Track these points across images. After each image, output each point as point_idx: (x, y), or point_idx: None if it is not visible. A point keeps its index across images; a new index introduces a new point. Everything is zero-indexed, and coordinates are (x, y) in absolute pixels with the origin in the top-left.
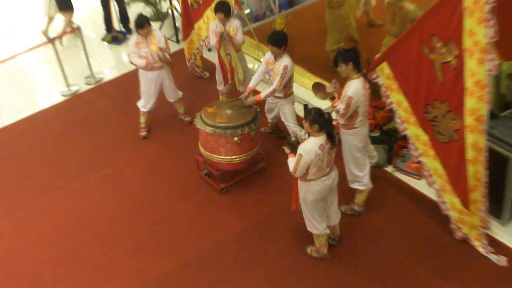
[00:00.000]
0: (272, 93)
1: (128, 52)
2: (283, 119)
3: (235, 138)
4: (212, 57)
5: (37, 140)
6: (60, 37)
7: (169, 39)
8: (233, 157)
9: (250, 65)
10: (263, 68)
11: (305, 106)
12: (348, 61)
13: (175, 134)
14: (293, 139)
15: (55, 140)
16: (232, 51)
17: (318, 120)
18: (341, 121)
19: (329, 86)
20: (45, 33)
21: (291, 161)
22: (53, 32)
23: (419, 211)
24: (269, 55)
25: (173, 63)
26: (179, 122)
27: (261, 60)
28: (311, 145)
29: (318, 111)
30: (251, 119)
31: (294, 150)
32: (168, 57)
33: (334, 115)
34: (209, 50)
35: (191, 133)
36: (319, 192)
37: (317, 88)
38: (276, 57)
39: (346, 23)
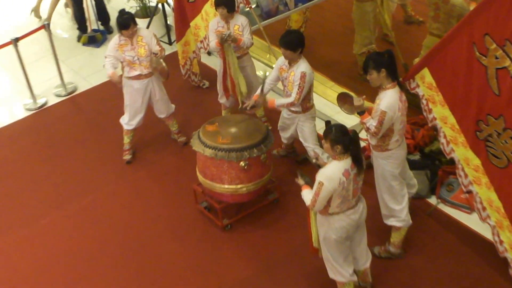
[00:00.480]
0: (289, 106)
1: (105, 54)
2: (301, 139)
3: (242, 163)
4: (213, 63)
5: None
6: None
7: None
8: (239, 186)
9: (259, 72)
10: (275, 75)
11: (328, 123)
12: (381, 68)
13: (167, 158)
14: (313, 160)
15: (18, 165)
16: (231, 56)
17: (341, 140)
18: (373, 142)
19: (357, 98)
20: (36, 11)
21: (307, 194)
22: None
23: (470, 252)
24: (282, 60)
25: (169, 72)
26: (171, 143)
27: (273, 66)
28: (334, 171)
29: (341, 128)
30: (261, 139)
31: (308, 179)
32: (163, 64)
33: (364, 134)
34: (209, 54)
35: (187, 157)
36: (344, 229)
37: (343, 100)
38: (291, 62)
39: (378, 20)
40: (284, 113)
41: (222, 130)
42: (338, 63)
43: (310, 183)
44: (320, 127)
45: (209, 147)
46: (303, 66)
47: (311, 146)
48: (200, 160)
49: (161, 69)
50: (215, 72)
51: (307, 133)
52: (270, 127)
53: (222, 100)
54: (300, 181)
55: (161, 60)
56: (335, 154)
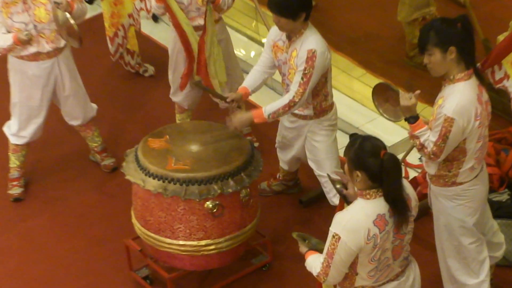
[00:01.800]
0: (287, 110)
1: None
2: (311, 163)
3: (208, 204)
4: (162, 36)
5: None
6: None
7: None
8: (204, 243)
9: (240, 53)
10: (266, 58)
11: (354, 136)
12: (449, 44)
13: (83, 194)
14: (336, 187)
15: None
16: (210, 21)
17: (365, 162)
18: (431, 170)
19: (405, 95)
20: None
21: (314, 260)
22: None
23: None
24: (276, 33)
25: (82, 37)
26: (90, 168)
27: (263, 41)
28: (358, 217)
29: (369, 143)
30: (241, 163)
31: (314, 241)
32: (71, 21)
33: (415, 156)
34: (155, 19)
35: (116, 192)
36: None
37: (382, 97)
38: (291, 36)
39: None
40: (285, 121)
41: (176, 148)
42: (373, 38)
43: (318, 246)
44: (344, 146)
45: (153, 177)
46: (311, 40)
47: (329, 175)
48: (138, 198)
49: (69, 30)
50: (166, 51)
51: (322, 153)
52: (256, 144)
53: (176, 97)
54: (302, 248)
55: (68, 16)
56: (361, 186)
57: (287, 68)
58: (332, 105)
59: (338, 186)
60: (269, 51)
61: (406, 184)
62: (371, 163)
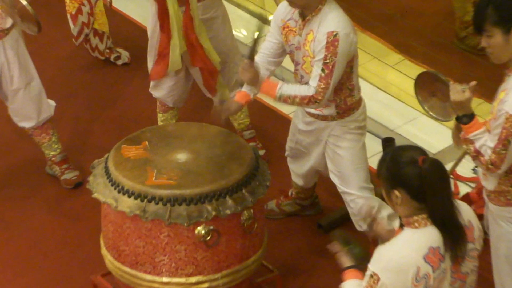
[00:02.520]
0: (305, 104)
1: None
2: (332, 177)
3: (200, 230)
4: (140, 12)
5: None
6: None
7: None
8: (194, 280)
9: (241, 34)
10: (272, 45)
11: (387, 142)
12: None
13: (37, 216)
14: (365, 226)
15: None
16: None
17: (403, 176)
18: (489, 185)
19: (457, 87)
20: None
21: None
22: None
23: None
24: (285, 9)
25: (39, 21)
26: (47, 182)
27: (269, 19)
28: (402, 253)
29: (407, 151)
30: (241, 177)
31: (357, 250)
32: (23, 2)
33: (467, 167)
34: None
35: (80, 215)
36: None
37: (427, 89)
38: (306, 12)
39: None
40: (299, 122)
41: (157, 158)
42: (413, 14)
43: (363, 260)
44: (376, 153)
45: (129, 194)
46: (331, 19)
47: (355, 192)
48: (109, 223)
49: (22, 12)
50: (144, 32)
51: (348, 164)
52: (262, 152)
53: (158, 91)
54: (343, 258)
55: None
56: (404, 212)
57: (301, 56)
58: (359, 101)
59: (365, 225)
60: (277, 34)
61: (464, 207)
62: (408, 174)
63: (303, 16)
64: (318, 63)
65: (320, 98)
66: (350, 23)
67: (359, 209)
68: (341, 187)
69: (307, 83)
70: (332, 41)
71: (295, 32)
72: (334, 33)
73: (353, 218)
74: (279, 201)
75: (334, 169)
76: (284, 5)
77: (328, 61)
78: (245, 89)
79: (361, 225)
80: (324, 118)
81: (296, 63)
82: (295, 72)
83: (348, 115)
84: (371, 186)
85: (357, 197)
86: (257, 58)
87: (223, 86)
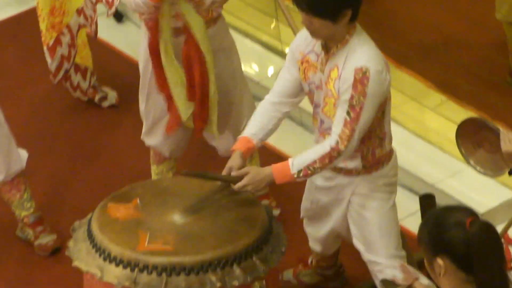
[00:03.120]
0: (328, 163)
1: None
2: (357, 243)
3: None
4: (130, 43)
5: None
6: None
7: None
8: None
9: (252, 70)
10: (286, 82)
11: (426, 200)
12: None
13: None
14: None
15: None
16: (196, 21)
17: (453, 238)
18: None
19: (510, 135)
20: None
21: None
22: None
23: None
24: (304, 40)
25: None
26: (18, 247)
27: (286, 52)
28: None
29: (454, 212)
30: (252, 241)
31: None
32: None
33: None
34: (118, 18)
35: (59, 286)
36: None
37: (473, 138)
38: (330, 45)
39: None
40: (317, 177)
41: (151, 219)
42: (457, 46)
43: None
44: (412, 213)
45: (116, 262)
46: (361, 53)
47: (383, 261)
48: None
49: None
50: (135, 67)
51: (375, 228)
52: (277, 212)
53: (152, 139)
54: None
55: None
56: (446, 286)
57: (322, 96)
58: (390, 153)
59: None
60: (293, 68)
61: None
62: (453, 239)
63: (326, 48)
64: (343, 105)
65: (342, 148)
66: (383, 59)
67: (399, 279)
68: (366, 255)
69: (328, 129)
70: (361, 78)
71: (316, 68)
72: (364, 69)
73: None
74: (297, 270)
75: (358, 234)
76: (303, 34)
77: (355, 103)
78: (247, 133)
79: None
80: (347, 172)
81: (315, 105)
82: (313, 116)
83: (376, 169)
84: (403, 253)
85: (386, 267)
86: (268, 97)
87: (213, 128)
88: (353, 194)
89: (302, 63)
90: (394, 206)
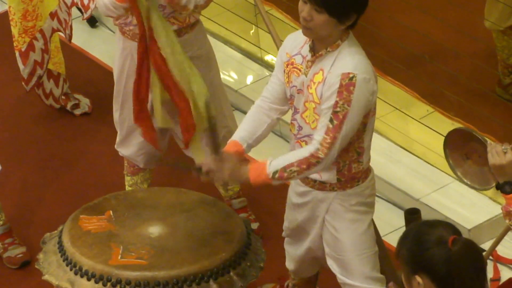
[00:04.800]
0: (306, 169)
1: None
2: (332, 263)
3: None
4: (104, 49)
5: None
6: None
7: None
8: None
9: (230, 78)
10: (276, 87)
11: (411, 213)
12: None
13: None
14: None
15: None
16: (162, 30)
17: (433, 257)
18: None
19: (497, 147)
20: None
21: None
22: None
23: None
24: (294, 41)
25: None
26: None
27: (269, 60)
28: None
29: (435, 228)
30: (229, 256)
31: None
32: None
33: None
34: (92, 23)
35: None
36: None
37: (460, 150)
38: (319, 47)
39: None
40: (292, 193)
41: (124, 232)
42: (444, 55)
43: None
44: (396, 228)
45: (88, 277)
46: (349, 59)
47: (359, 284)
48: None
49: None
50: (109, 74)
51: (348, 249)
52: (255, 225)
53: (126, 148)
54: None
55: None
56: None
57: (302, 101)
58: (367, 172)
59: None
60: (280, 73)
61: None
62: (434, 257)
63: (314, 49)
64: (327, 111)
65: (322, 156)
66: (372, 69)
67: None
68: (341, 277)
69: (305, 136)
70: (347, 84)
71: (300, 70)
72: (351, 75)
73: None
74: None
75: (332, 255)
76: (292, 36)
77: (338, 109)
78: (236, 137)
79: None
80: (321, 186)
81: (294, 110)
82: (291, 122)
83: (351, 186)
84: (380, 275)
85: None
86: (258, 102)
87: (198, 145)
88: (327, 213)
89: (287, 65)
90: (370, 227)
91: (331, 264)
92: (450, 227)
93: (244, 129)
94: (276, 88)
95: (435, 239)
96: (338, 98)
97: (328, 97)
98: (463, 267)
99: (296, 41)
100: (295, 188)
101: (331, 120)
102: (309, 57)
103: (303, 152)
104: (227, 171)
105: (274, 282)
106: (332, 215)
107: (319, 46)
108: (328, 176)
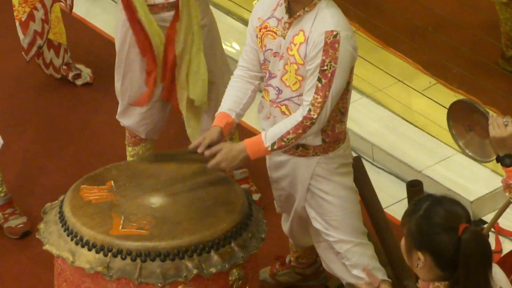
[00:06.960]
0: (301, 133)
1: None
2: (316, 223)
3: None
4: (106, 20)
5: None
6: None
7: None
8: None
9: (232, 49)
10: (251, 55)
11: (413, 185)
12: None
13: None
14: None
15: None
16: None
17: (442, 242)
18: None
19: (499, 119)
20: None
21: None
22: None
23: None
24: (264, 4)
25: None
26: None
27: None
28: None
29: (447, 210)
30: (230, 226)
31: None
32: None
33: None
34: None
35: (29, 271)
36: None
37: (463, 121)
38: (295, 7)
39: None
40: (270, 164)
41: (125, 202)
42: (447, 27)
43: None
44: (398, 200)
45: (89, 247)
46: (329, 17)
47: (350, 238)
48: (64, 281)
49: None
50: (111, 44)
51: (338, 211)
52: (257, 196)
53: (127, 118)
54: None
55: None
56: (422, 277)
57: (281, 64)
58: (345, 132)
59: None
60: (253, 39)
61: (498, 273)
62: (442, 242)
63: (290, 11)
64: (314, 71)
65: (315, 116)
66: (348, 23)
67: (354, 262)
68: (330, 235)
69: (286, 100)
70: (332, 42)
71: (275, 33)
72: (334, 33)
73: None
74: (273, 269)
75: (317, 219)
76: (263, 1)
77: (326, 68)
78: (223, 109)
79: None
80: (304, 153)
81: (270, 76)
82: (264, 89)
83: (334, 148)
84: (365, 228)
85: (355, 244)
86: (237, 72)
87: (196, 125)
88: (311, 178)
89: (260, 29)
90: (353, 185)
91: (318, 225)
92: (464, 213)
93: (229, 100)
94: (250, 56)
95: (447, 223)
96: (324, 57)
97: (314, 57)
98: (469, 256)
99: (267, 5)
100: (273, 158)
101: (319, 79)
102: (285, 18)
103: (296, 116)
104: (224, 157)
105: (272, 261)
106: (319, 179)
107: (296, 7)
108: (313, 139)
